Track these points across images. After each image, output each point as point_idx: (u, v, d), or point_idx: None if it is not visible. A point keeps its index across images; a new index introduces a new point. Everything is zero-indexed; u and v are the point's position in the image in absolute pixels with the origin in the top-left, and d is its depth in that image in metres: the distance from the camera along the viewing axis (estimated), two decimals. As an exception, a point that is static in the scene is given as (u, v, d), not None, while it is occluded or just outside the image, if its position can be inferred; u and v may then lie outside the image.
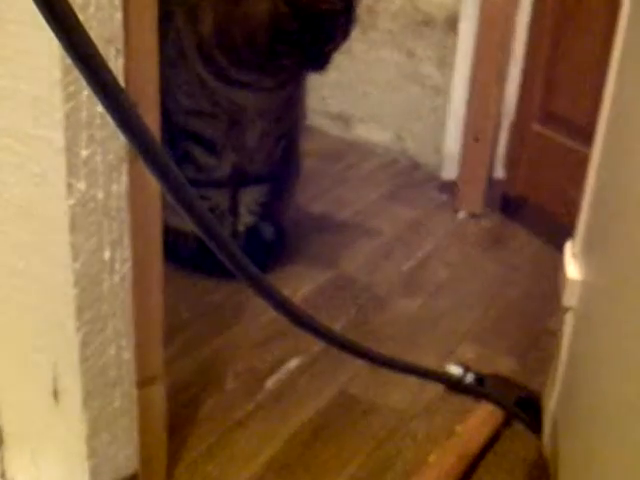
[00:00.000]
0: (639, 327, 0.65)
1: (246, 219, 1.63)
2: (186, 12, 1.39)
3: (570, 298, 0.87)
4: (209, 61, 1.40)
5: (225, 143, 1.52)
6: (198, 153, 1.52)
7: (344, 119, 2.39)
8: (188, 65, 1.42)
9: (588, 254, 0.87)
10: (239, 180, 1.59)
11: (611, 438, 0.70)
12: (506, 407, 1.17)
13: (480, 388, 1.25)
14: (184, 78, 1.44)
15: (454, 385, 1.29)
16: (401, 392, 1.26)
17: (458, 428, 1.14)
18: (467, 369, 1.28)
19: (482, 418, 1.16)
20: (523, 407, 1.19)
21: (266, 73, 1.43)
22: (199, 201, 0.49)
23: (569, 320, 0.90)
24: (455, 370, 1.28)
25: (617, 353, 0.71)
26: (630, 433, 0.65)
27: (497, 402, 1.18)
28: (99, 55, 0.38)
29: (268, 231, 1.65)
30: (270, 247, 1.65)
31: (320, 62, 1.37)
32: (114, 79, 0.40)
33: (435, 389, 1.27)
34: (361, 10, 1.45)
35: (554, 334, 1.29)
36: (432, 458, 1.08)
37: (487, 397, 1.21)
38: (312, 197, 1.97)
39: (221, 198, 1.58)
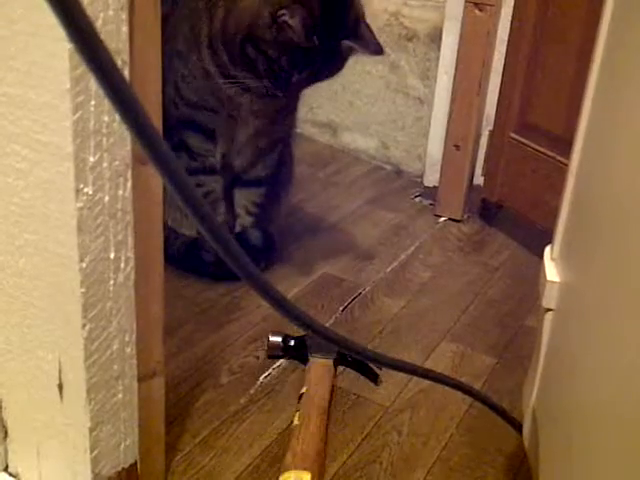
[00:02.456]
0: (614, 326, 0.66)
1: (243, 220, 1.63)
2: (207, 8, 1.40)
3: (549, 299, 0.88)
4: (215, 56, 1.41)
5: (222, 132, 1.53)
6: (194, 140, 1.52)
7: (332, 128, 2.40)
8: (198, 59, 1.43)
9: (567, 258, 0.88)
10: (228, 172, 1.60)
11: (589, 430, 0.71)
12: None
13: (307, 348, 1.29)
14: (192, 72, 1.45)
15: (284, 351, 1.32)
16: (387, 387, 1.27)
17: (305, 389, 1.17)
18: (287, 336, 1.31)
19: (319, 374, 1.22)
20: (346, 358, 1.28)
21: (257, 73, 1.40)
22: (204, 201, 0.49)
23: (548, 320, 0.90)
24: (275, 338, 1.31)
25: (594, 350, 0.72)
26: (605, 425, 0.66)
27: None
28: (115, 63, 0.39)
29: (255, 237, 1.64)
30: (256, 252, 1.63)
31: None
32: (128, 85, 0.40)
33: (419, 385, 1.28)
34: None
35: (531, 332, 1.30)
36: (296, 420, 1.11)
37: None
38: (302, 200, 1.98)
39: (215, 184, 1.58)
